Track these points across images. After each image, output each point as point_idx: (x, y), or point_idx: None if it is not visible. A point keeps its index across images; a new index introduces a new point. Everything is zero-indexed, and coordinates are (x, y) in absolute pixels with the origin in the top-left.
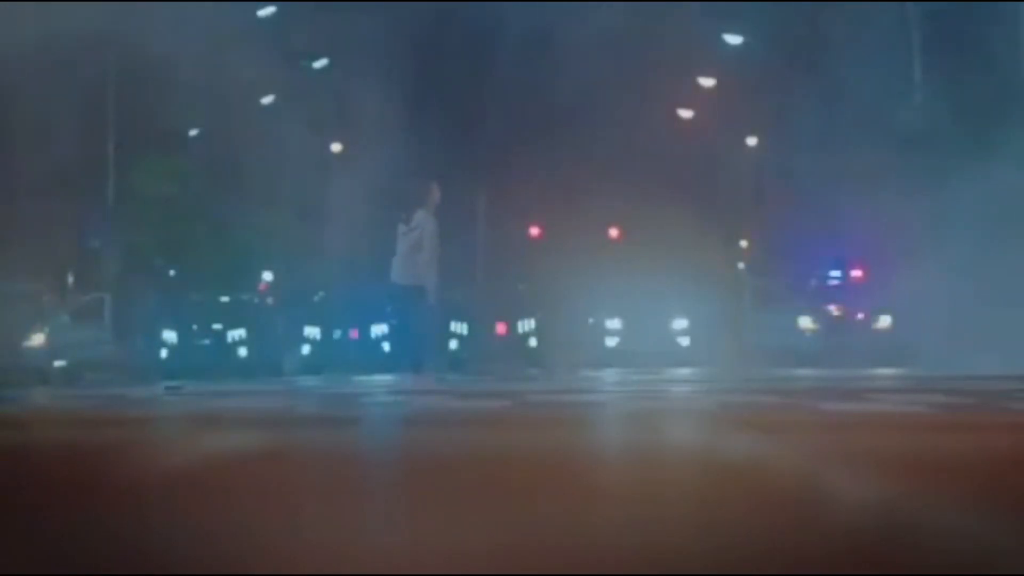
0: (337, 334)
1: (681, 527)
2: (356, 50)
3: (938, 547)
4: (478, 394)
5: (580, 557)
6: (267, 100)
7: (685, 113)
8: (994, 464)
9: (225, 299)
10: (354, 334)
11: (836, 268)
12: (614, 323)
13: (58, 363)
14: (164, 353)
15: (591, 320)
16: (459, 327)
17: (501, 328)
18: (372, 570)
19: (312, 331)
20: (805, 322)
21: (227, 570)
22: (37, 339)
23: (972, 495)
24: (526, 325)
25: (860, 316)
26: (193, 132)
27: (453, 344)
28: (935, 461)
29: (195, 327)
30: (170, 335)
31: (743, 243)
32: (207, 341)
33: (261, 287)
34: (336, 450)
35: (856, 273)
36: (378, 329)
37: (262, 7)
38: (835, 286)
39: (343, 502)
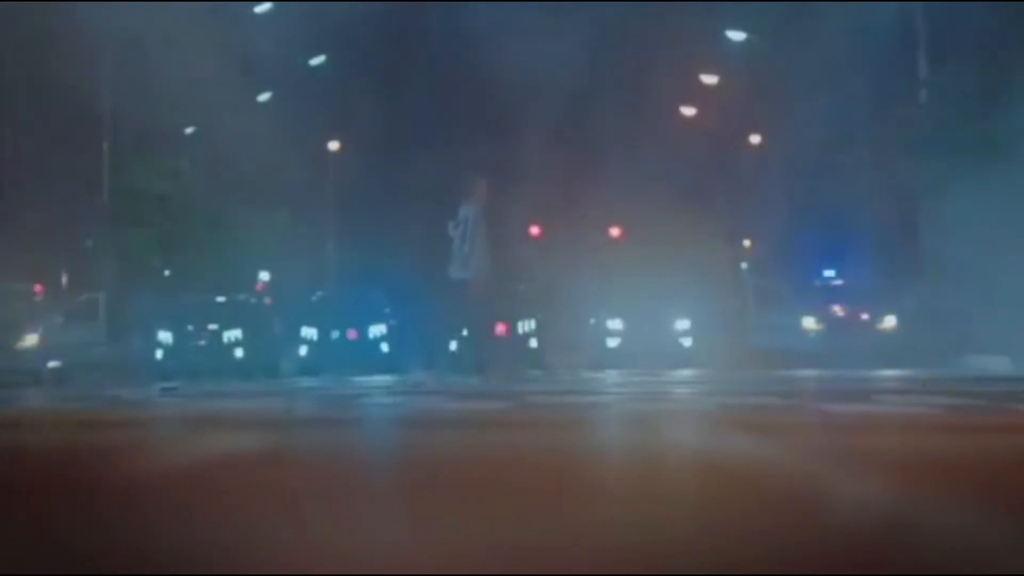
0: (335, 335)
1: (682, 528)
2: (353, 47)
3: (939, 549)
4: (478, 395)
5: (580, 557)
6: (264, 97)
7: (688, 111)
8: (998, 466)
9: (221, 299)
10: (352, 335)
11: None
12: (615, 324)
13: (52, 364)
14: (159, 354)
15: (592, 321)
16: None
17: (502, 329)
18: (372, 570)
19: (310, 332)
20: (809, 322)
21: (225, 570)
22: (31, 340)
23: (975, 497)
24: (526, 326)
25: (865, 316)
26: (189, 130)
27: (452, 345)
28: (938, 463)
29: (191, 327)
30: (166, 336)
31: (746, 242)
32: (203, 342)
33: (258, 287)
34: (336, 452)
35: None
36: (376, 330)
37: (258, 4)
38: (839, 286)
39: (342, 503)
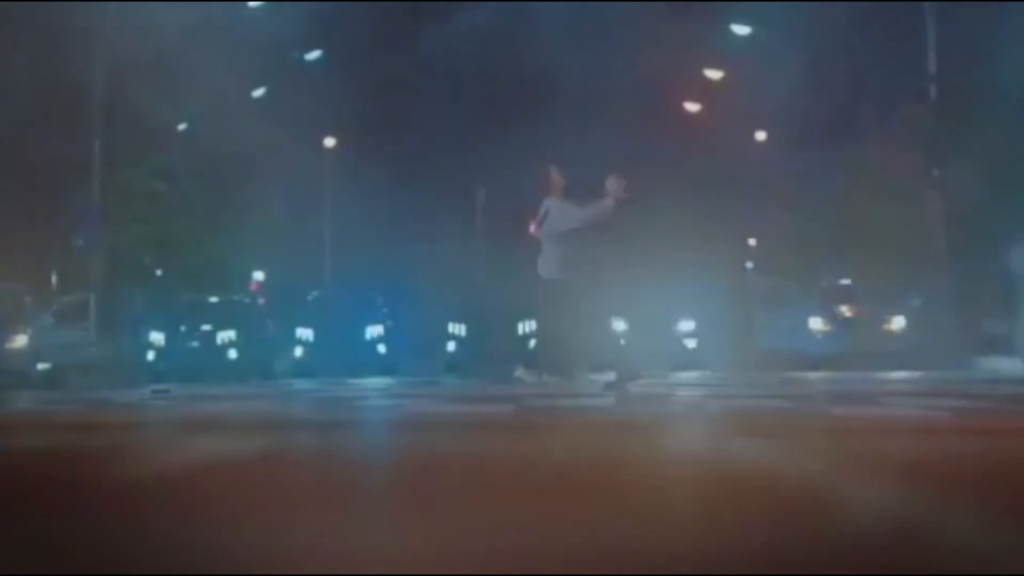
0: (331, 335)
1: (684, 529)
2: (350, 42)
3: (943, 551)
4: (478, 398)
5: (581, 558)
6: (258, 93)
7: (691, 106)
8: (1005, 468)
9: (214, 299)
10: (349, 336)
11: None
12: (617, 324)
13: (41, 366)
14: (151, 355)
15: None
16: (457, 328)
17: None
18: (371, 571)
19: (305, 332)
20: (816, 323)
21: (223, 571)
22: (19, 341)
23: (980, 499)
24: (526, 327)
25: (873, 317)
26: (182, 127)
27: (451, 346)
28: (944, 465)
29: (183, 328)
30: (157, 337)
31: (751, 241)
32: (196, 343)
33: (252, 287)
34: (334, 454)
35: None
36: (373, 330)
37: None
38: (847, 286)
39: (341, 505)
